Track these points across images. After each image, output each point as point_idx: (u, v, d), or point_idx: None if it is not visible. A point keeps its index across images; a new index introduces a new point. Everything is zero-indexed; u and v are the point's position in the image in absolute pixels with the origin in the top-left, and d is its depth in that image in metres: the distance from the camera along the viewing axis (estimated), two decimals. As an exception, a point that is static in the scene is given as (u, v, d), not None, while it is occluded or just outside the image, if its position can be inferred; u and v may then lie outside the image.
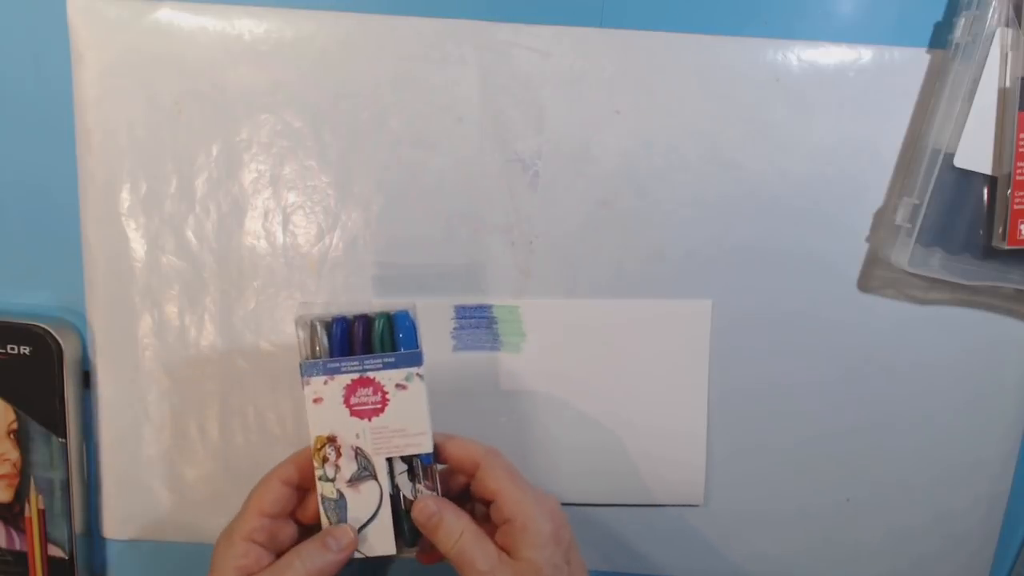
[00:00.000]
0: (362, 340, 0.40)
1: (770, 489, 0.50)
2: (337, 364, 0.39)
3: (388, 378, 0.40)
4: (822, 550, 0.50)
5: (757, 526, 0.50)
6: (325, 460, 0.40)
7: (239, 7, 0.44)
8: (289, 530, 0.41)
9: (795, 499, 0.50)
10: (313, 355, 0.40)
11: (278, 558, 0.39)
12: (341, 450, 0.40)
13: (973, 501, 0.50)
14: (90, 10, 0.43)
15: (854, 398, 0.49)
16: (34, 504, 0.47)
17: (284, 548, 0.40)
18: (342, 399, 0.39)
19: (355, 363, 0.39)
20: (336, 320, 0.40)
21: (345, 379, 0.39)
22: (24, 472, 0.46)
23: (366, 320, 0.41)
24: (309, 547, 0.39)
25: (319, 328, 0.40)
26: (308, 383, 0.39)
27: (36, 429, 0.46)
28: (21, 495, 0.47)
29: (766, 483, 0.50)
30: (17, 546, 0.47)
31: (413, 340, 0.40)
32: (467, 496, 0.42)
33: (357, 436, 0.40)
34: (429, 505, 0.39)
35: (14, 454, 0.46)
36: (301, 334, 0.40)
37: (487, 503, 0.40)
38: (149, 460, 0.48)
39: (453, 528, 0.38)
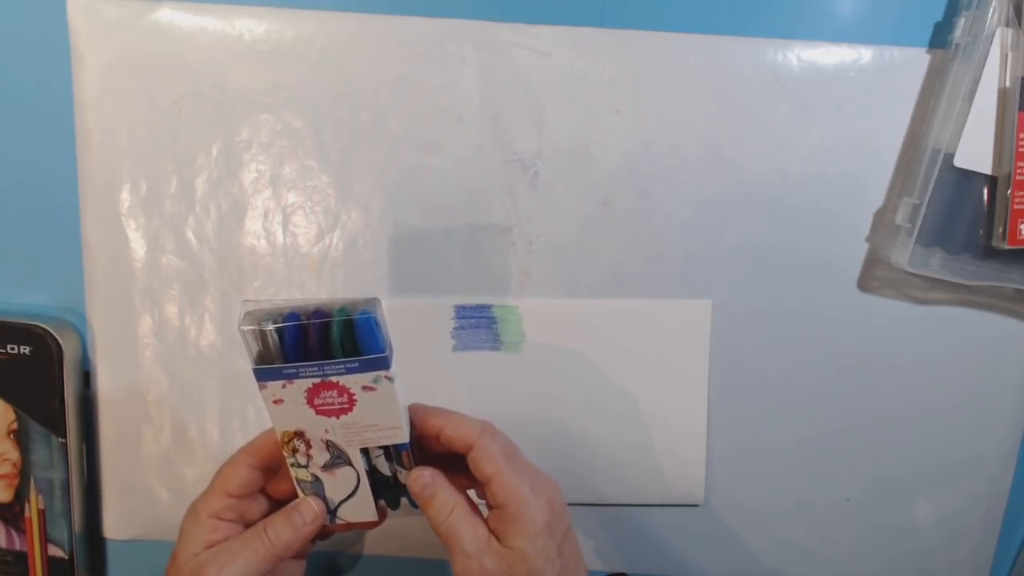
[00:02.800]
0: (318, 347, 0.35)
1: (770, 489, 0.50)
2: (294, 370, 0.35)
3: (353, 381, 0.36)
4: (822, 549, 0.50)
5: (757, 526, 0.50)
6: (295, 451, 0.38)
7: (239, 7, 0.44)
8: (258, 506, 0.40)
9: (795, 498, 0.50)
10: (265, 361, 0.35)
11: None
12: (311, 443, 0.38)
13: (973, 500, 0.50)
14: (90, 10, 0.43)
15: (854, 398, 0.49)
16: (34, 504, 0.47)
17: (254, 521, 0.39)
18: (305, 400, 0.36)
19: (314, 369, 0.35)
20: (288, 325, 0.35)
21: (305, 383, 0.36)
22: (24, 472, 0.46)
23: (321, 326, 0.35)
24: (276, 520, 0.39)
25: (270, 333, 0.35)
26: (265, 387, 0.36)
27: (36, 429, 0.46)
28: (21, 495, 0.47)
29: (766, 483, 0.50)
30: (17, 546, 0.47)
31: (377, 345, 0.35)
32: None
33: (326, 431, 0.37)
34: (424, 476, 0.38)
35: (14, 454, 0.46)
36: (250, 339, 0.35)
37: (482, 484, 0.38)
38: (149, 460, 0.48)
39: (445, 503, 0.37)
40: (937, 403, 0.49)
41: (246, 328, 0.35)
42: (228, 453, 0.47)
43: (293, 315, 0.35)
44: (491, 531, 0.37)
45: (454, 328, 0.47)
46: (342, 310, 0.35)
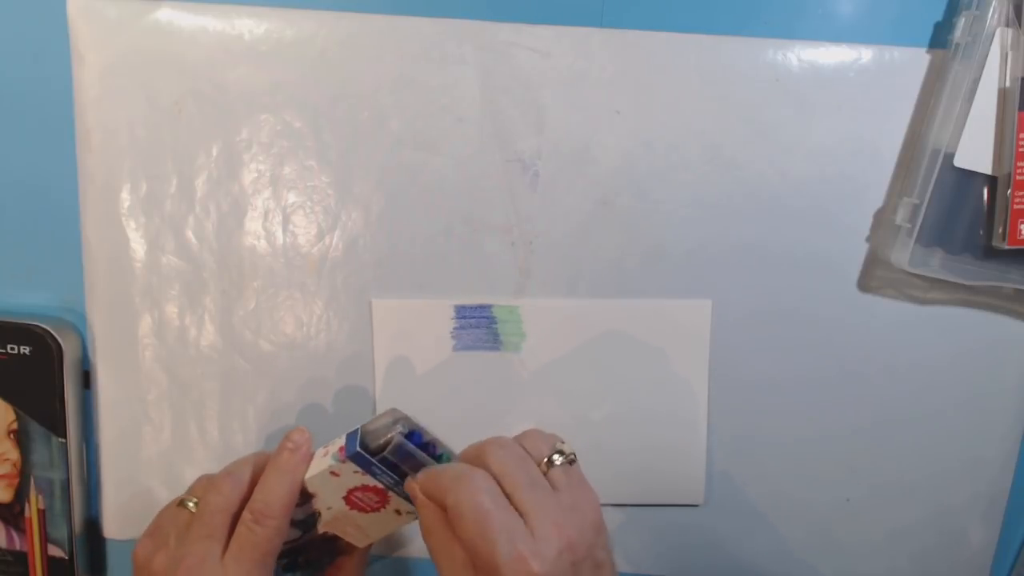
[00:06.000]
0: (403, 468, 0.38)
1: (770, 489, 0.50)
2: (380, 470, 0.37)
3: (397, 501, 0.38)
4: (822, 550, 0.50)
5: (757, 526, 0.50)
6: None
7: (239, 7, 0.44)
8: None
9: (795, 499, 0.50)
10: (373, 450, 0.37)
11: None
12: (309, 502, 0.39)
13: (973, 500, 0.50)
14: (90, 10, 0.43)
15: (854, 398, 0.49)
16: (34, 504, 0.47)
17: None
18: (347, 487, 0.38)
19: (392, 480, 0.37)
20: (405, 444, 0.37)
21: (372, 482, 0.38)
22: (24, 472, 0.46)
23: (421, 461, 0.37)
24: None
25: (396, 437, 0.37)
26: (344, 463, 0.37)
27: (36, 429, 0.46)
28: (21, 495, 0.47)
29: (766, 483, 0.50)
30: (17, 546, 0.47)
31: None
32: None
33: (328, 508, 0.39)
34: (415, 481, 0.36)
35: (14, 454, 0.46)
36: (395, 430, 0.37)
37: None
38: (149, 460, 0.48)
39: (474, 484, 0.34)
40: (937, 403, 0.49)
41: (394, 432, 0.37)
42: (228, 453, 0.48)
43: (416, 435, 0.38)
44: None
45: (454, 328, 0.47)
46: (444, 455, 0.38)
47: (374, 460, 0.37)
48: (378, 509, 0.39)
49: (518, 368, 0.47)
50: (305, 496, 0.39)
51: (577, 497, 0.35)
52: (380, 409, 0.47)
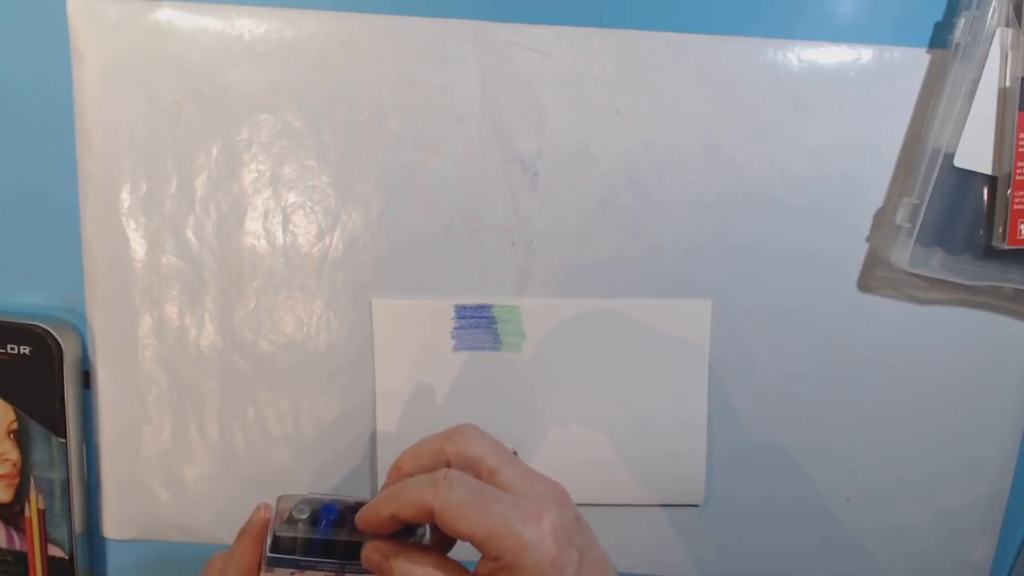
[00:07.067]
0: (344, 551, 0.34)
1: (770, 489, 0.50)
2: (313, 561, 0.34)
3: None
4: (822, 550, 0.50)
5: (757, 526, 0.50)
6: None
7: (239, 7, 0.44)
8: None
9: (795, 499, 0.50)
10: (282, 550, 0.34)
11: None
12: None
13: (973, 500, 0.50)
14: (90, 10, 0.43)
15: (854, 398, 0.49)
16: (34, 504, 0.47)
17: None
18: None
19: (335, 566, 0.34)
20: (325, 508, 0.34)
21: (316, 575, 0.35)
22: (24, 472, 0.46)
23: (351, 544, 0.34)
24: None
25: (302, 524, 0.34)
26: (272, 572, 0.35)
27: (36, 429, 0.46)
28: (21, 495, 0.47)
29: (766, 483, 0.50)
30: (17, 546, 0.47)
31: None
32: None
33: None
34: (372, 558, 0.32)
35: (14, 454, 0.46)
36: (280, 525, 0.34)
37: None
38: (149, 460, 0.48)
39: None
40: (937, 403, 0.49)
41: (277, 516, 0.34)
42: (228, 453, 0.48)
43: (329, 508, 0.34)
44: None
45: (454, 328, 0.47)
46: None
47: (296, 556, 0.34)
48: None
49: (518, 368, 0.47)
50: None
51: (528, 469, 0.34)
52: (380, 411, 0.47)
